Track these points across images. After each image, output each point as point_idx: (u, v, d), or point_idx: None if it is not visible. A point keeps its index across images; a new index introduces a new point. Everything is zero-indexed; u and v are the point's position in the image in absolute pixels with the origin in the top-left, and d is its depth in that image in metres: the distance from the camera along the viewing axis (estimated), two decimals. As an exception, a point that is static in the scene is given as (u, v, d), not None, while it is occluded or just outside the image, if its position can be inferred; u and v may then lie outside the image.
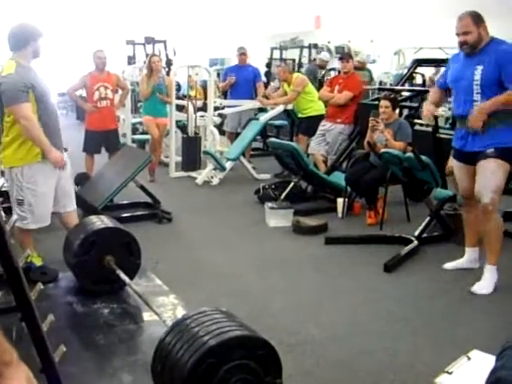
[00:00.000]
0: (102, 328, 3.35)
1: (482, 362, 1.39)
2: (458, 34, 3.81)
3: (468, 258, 4.33)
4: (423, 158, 4.90)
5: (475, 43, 3.77)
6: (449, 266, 4.37)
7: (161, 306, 3.56)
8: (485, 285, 3.96)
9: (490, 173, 3.81)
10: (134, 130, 8.93)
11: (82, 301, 3.70)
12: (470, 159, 3.93)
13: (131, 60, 10.87)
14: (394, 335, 3.33)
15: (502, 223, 4.03)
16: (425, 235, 4.89)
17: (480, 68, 3.74)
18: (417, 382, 2.80)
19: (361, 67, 9.57)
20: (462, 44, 3.81)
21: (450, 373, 1.73)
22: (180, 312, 3.41)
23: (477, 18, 3.78)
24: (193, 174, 7.46)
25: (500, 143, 3.77)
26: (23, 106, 3.67)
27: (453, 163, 4.24)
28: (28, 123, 3.71)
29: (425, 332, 3.38)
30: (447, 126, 7.33)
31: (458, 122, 4.04)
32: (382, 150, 5.24)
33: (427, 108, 4.25)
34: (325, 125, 6.86)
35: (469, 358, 1.77)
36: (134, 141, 8.57)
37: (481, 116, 3.72)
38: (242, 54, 8.35)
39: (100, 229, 3.74)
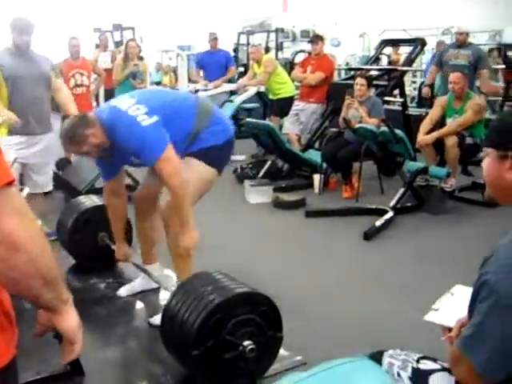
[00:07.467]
0: (101, 301, 3.47)
1: (464, 295, 1.53)
2: None
3: None
4: (397, 131, 5.14)
5: None
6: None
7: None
8: None
9: None
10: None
11: (79, 277, 3.82)
12: None
13: (99, 47, 10.81)
14: (377, 294, 3.56)
15: None
16: (399, 206, 5.15)
17: None
18: (400, 331, 3.02)
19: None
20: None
21: (437, 309, 1.84)
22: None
23: None
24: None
25: None
26: None
27: None
28: None
29: (408, 289, 3.62)
30: (414, 104, 7.62)
31: None
32: (357, 125, 5.45)
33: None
34: (298, 105, 7.04)
35: (452, 294, 1.85)
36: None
37: None
38: (214, 39, 8.45)
39: (92, 207, 3.87)
